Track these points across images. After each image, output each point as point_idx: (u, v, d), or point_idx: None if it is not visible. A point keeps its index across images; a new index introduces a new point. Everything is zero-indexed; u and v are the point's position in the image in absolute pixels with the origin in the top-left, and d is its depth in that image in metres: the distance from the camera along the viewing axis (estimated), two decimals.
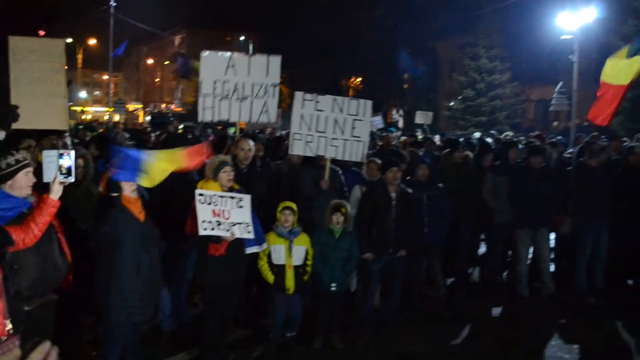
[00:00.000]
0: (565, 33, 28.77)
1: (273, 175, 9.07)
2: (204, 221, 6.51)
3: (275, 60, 9.06)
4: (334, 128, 8.85)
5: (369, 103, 9.02)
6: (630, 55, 9.63)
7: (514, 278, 10.19)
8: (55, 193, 5.04)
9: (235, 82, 8.92)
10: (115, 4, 38.95)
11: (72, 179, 5.09)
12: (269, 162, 9.51)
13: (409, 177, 9.35)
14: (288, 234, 7.54)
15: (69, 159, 5.05)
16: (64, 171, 5.03)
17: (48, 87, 8.26)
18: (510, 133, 21.80)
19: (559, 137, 16.99)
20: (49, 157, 5.07)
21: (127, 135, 15.04)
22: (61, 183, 5.06)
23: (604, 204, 9.78)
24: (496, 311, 9.52)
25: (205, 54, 9.08)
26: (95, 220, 5.92)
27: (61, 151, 5.10)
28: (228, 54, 9.13)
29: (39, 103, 8.01)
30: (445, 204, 9.51)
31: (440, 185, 9.62)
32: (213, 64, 8.96)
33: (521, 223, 9.85)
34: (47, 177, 5.06)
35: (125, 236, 5.81)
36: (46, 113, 7.98)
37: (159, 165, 6.12)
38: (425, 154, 11.80)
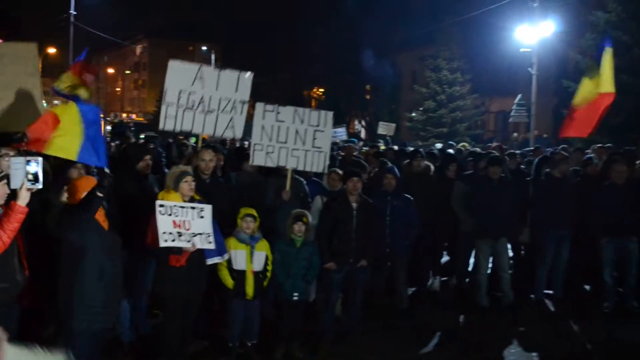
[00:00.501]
0: (524, 46, 29.30)
1: (234, 186, 9.04)
2: (164, 232, 6.47)
3: (247, 77, 9.00)
4: (295, 139, 8.87)
5: (330, 114, 9.08)
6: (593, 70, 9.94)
7: (474, 287, 10.28)
8: (23, 199, 5.00)
9: (202, 95, 8.82)
10: (75, 13, 38.55)
11: (39, 186, 5.07)
12: (229, 172, 9.47)
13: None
14: (250, 240, 7.54)
15: (36, 165, 5.03)
16: (30, 177, 5.00)
17: (24, 90, 8.21)
18: (466, 144, 22.10)
19: (526, 149, 17.27)
20: (16, 163, 5.05)
21: None
22: (28, 189, 5.02)
23: (566, 214, 9.92)
24: (457, 320, 9.59)
25: (172, 62, 8.96)
26: (62, 227, 5.84)
27: (28, 157, 5.08)
28: (197, 65, 9.07)
29: (16, 106, 7.96)
30: (412, 215, 9.42)
31: (407, 195, 9.51)
32: (180, 74, 8.86)
33: (481, 233, 9.94)
34: (14, 183, 5.05)
35: (90, 243, 5.77)
36: (23, 116, 7.92)
37: None
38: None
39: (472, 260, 10.73)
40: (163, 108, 8.81)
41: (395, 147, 17.59)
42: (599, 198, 9.73)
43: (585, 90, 10.12)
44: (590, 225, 9.81)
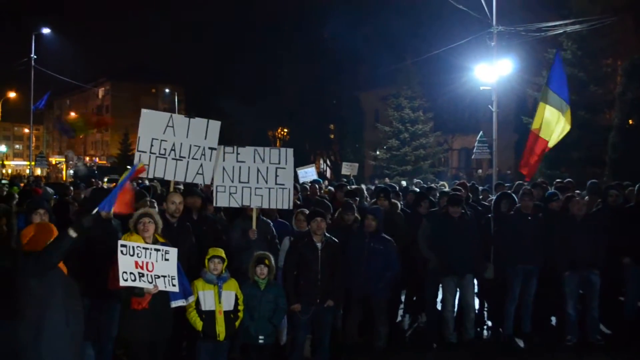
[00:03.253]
0: (484, 84, 29.79)
1: (210, 226, 9.03)
2: (124, 272, 6.40)
3: (215, 125, 9.12)
4: (257, 177, 8.99)
5: (290, 151, 9.21)
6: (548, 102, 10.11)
7: (442, 324, 10.25)
8: None
9: (173, 142, 8.97)
10: (35, 57, 38.34)
11: None
12: (205, 214, 9.47)
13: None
14: (217, 280, 7.49)
15: None
16: None
17: None
18: (438, 183, 22.25)
19: (488, 185, 17.38)
20: None
21: (51, 190, 14.90)
22: None
23: (531, 249, 9.98)
24: (427, 358, 9.61)
25: (145, 112, 9.12)
26: (25, 273, 5.72)
27: None
28: (168, 114, 9.25)
29: None
30: (391, 258, 9.18)
31: (388, 237, 9.30)
32: (152, 122, 9.02)
33: (446, 270, 9.96)
34: None
35: (56, 289, 5.68)
36: None
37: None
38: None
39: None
40: (137, 155, 8.91)
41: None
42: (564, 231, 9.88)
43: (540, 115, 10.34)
44: (556, 258, 9.92)
